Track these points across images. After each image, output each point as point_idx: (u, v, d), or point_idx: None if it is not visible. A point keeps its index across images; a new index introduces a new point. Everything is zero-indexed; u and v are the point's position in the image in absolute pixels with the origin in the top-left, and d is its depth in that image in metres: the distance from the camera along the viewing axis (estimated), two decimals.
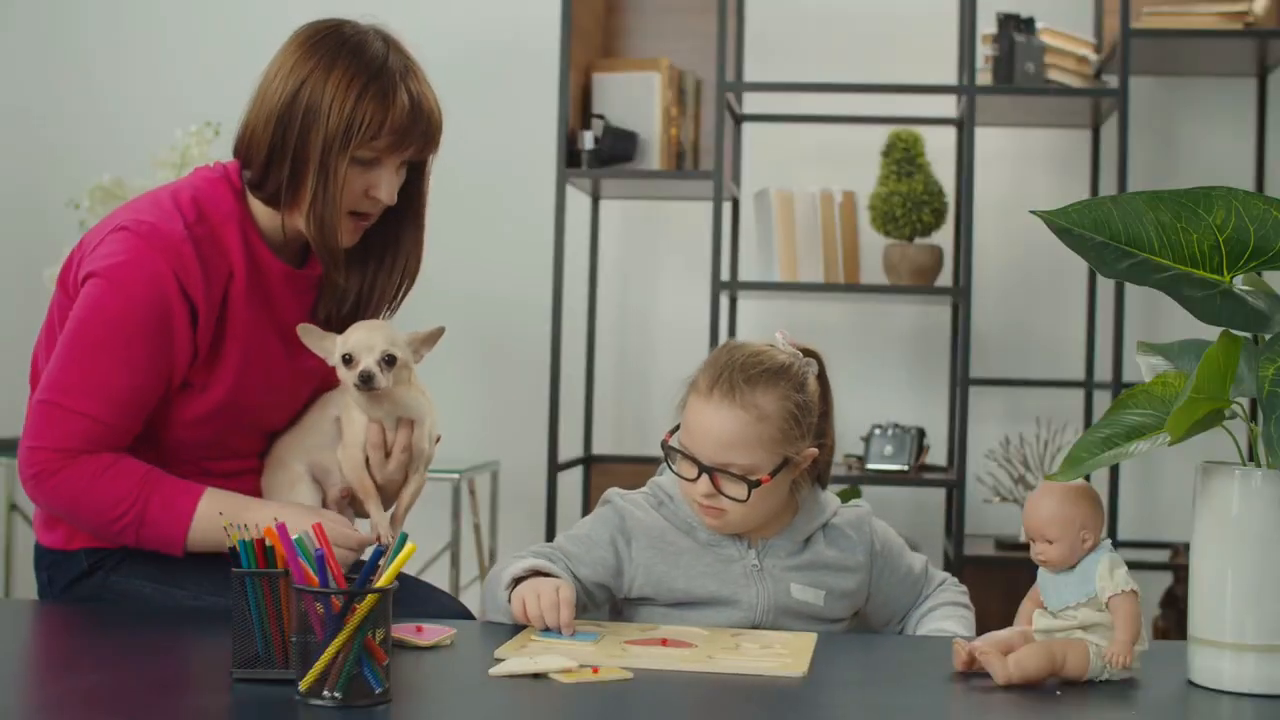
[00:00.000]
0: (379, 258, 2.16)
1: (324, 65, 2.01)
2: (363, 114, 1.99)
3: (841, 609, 2.02)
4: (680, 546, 1.99)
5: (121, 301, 1.96)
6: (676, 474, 1.98)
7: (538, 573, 1.91)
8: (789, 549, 2.01)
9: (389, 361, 2.03)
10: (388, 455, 2.08)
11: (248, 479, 2.13)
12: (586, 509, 4.12)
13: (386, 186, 2.04)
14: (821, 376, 2.02)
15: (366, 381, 2.02)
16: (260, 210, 2.08)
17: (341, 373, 2.05)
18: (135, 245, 1.97)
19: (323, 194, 2.01)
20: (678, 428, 1.99)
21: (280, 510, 1.99)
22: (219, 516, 1.95)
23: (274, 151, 2.02)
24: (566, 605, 1.83)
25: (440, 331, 2.10)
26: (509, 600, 1.88)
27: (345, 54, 2.01)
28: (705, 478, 1.93)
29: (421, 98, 2.05)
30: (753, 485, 1.92)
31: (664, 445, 1.98)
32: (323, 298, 2.15)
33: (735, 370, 1.94)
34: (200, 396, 2.05)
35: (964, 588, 2.12)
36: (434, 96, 2.08)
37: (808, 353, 2.02)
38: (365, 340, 2.04)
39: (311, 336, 2.07)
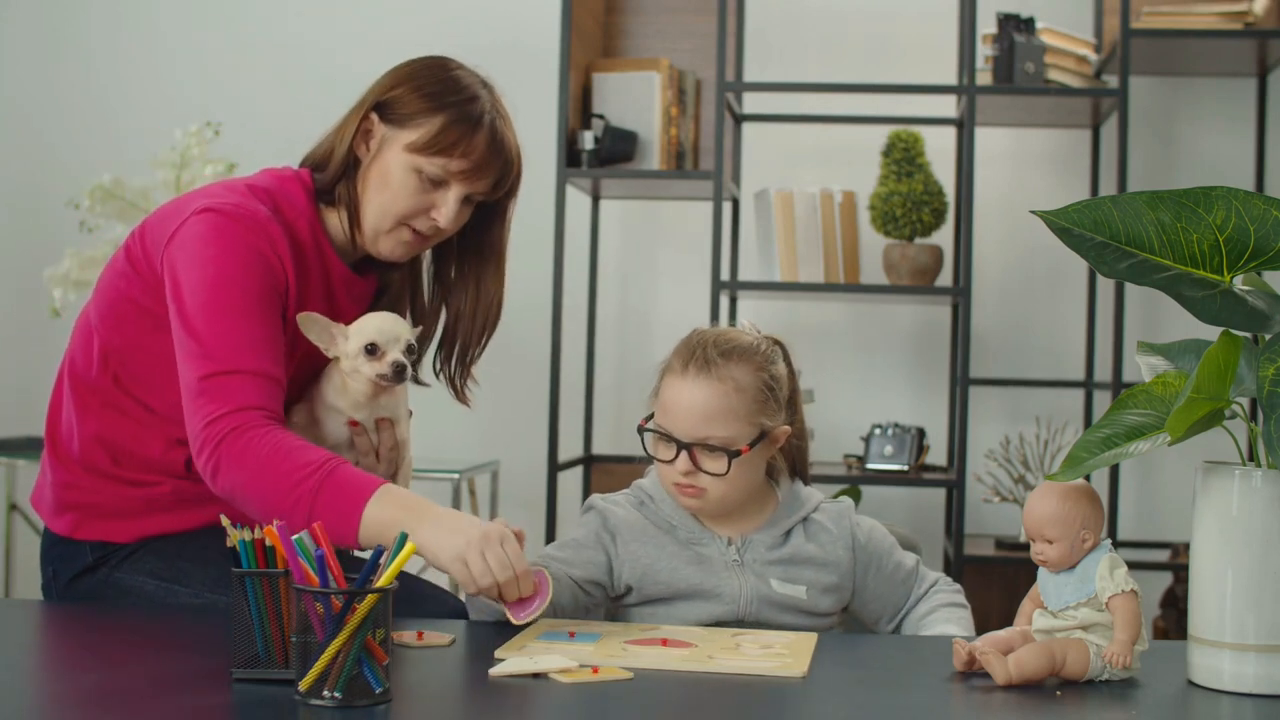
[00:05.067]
0: (460, 302, 2.17)
1: (418, 81, 2.04)
2: (441, 129, 2.01)
3: (827, 604, 2.03)
4: (661, 542, 2.01)
5: (236, 271, 1.93)
6: (653, 457, 2.00)
7: None
8: (768, 543, 2.02)
9: (409, 352, 2.02)
10: (377, 457, 2.08)
11: None
12: None
13: (447, 210, 2.03)
14: (787, 361, 2.05)
15: (399, 374, 2.00)
16: (328, 216, 2.10)
17: (358, 363, 2.00)
18: (227, 226, 1.95)
19: (380, 190, 2.03)
20: (651, 415, 2.01)
21: (454, 520, 1.83)
22: (385, 521, 1.81)
23: (350, 137, 2.04)
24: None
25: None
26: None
27: (444, 78, 2.04)
28: (684, 455, 1.95)
29: (504, 136, 2.06)
30: (732, 456, 1.94)
31: (640, 430, 2.00)
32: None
33: (709, 347, 1.98)
34: None
35: (958, 587, 2.12)
36: (517, 142, 2.09)
37: (773, 341, 2.06)
38: (391, 330, 2.01)
39: (315, 325, 2.00)
